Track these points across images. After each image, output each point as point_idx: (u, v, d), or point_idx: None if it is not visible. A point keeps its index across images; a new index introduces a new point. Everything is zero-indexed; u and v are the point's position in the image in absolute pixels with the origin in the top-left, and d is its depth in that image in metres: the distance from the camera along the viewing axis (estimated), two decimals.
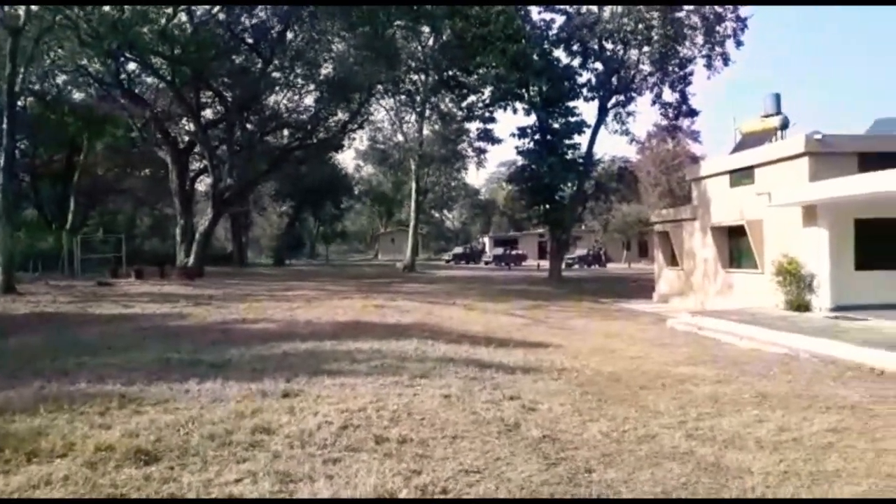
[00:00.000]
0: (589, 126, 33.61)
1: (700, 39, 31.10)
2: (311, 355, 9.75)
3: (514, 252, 59.12)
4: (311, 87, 34.60)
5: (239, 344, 10.76)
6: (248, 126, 35.93)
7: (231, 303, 18.07)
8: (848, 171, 15.09)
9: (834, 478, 4.79)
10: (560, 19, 32.47)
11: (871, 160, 15.36)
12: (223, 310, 16.31)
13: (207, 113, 35.11)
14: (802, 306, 15.00)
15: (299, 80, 33.91)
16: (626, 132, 35.21)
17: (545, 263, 40.58)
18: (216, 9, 28.74)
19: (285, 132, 40.85)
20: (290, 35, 30.94)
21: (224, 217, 39.62)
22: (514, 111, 33.92)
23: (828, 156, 15.78)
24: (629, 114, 34.61)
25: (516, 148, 34.39)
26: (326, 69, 33.24)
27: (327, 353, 9.98)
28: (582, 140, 34.01)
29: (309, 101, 36.76)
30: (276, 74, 32.65)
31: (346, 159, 71.07)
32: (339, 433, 5.78)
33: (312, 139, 38.79)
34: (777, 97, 20.61)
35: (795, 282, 15.18)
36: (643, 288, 26.45)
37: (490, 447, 5.49)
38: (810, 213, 15.37)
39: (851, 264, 15.37)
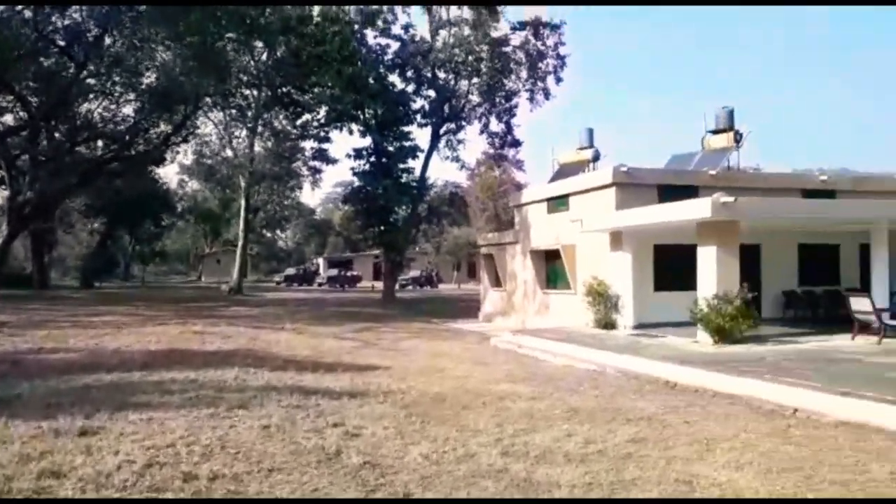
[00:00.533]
0: (422, 151, 34.48)
1: (524, 74, 33.25)
2: (116, 388, 8.92)
3: (348, 273, 58.76)
4: (131, 96, 32.20)
5: (32, 376, 9.59)
6: (56, 135, 32.62)
7: (26, 330, 16.13)
8: (649, 201, 16.77)
9: (631, 486, 5.18)
10: (395, 45, 33.16)
11: (667, 192, 17.21)
12: (16, 338, 14.51)
13: (8, 119, 31.43)
14: (609, 324, 16.31)
15: (117, 88, 31.43)
16: (457, 159, 36.59)
17: (380, 285, 40.75)
18: (20, 7, 25.91)
19: (99, 143, 37.56)
20: (108, 40, 28.62)
21: (24, 234, 35.49)
22: (350, 132, 33.94)
23: (632, 187, 17.43)
24: (459, 141, 36.03)
25: (352, 169, 34.44)
26: (149, 78, 31.12)
27: (135, 385, 9.19)
28: (416, 164, 34.81)
29: (128, 110, 34.19)
30: (90, 81, 30.01)
31: (170, 174, 66.91)
32: (143, 473, 5.30)
33: (130, 151, 36.02)
34: (590, 131, 22.45)
35: (603, 302, 16.48)
36: (470, 308, 27.39)
37: (308, 478, 5.31)
38: (616, 239, 16.82)
39: (651, 286, 17.02)
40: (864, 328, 13.19)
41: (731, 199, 12.76)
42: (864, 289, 15.28)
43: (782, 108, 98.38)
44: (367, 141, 33.80)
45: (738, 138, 20.29)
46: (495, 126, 35.19)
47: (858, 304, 13.26)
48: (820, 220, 16.07)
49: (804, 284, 19.00)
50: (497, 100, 34.11)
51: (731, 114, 20.56)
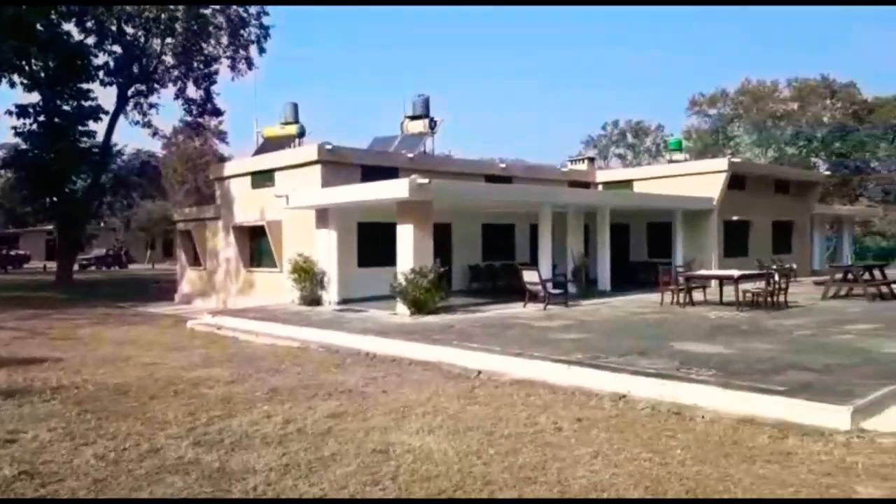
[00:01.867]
0: (107, 113, 30.56)
1: (225, 40, 31.36)
2: None
3: (12, 252, 49.94)
4: None
5: None
6: None
7: None
8: (353, 179, 17.09)
9: (330, 462, 5.15)
10: None
11: (370, 171, 17.72)
12: None
13: None
14: (315, 301, 16.33)
15: None
16: (149, 124, 33.28)
17: (54, 265, 35.34)
18: None
19: None
20: None
21: None
22: (12, 85, 28.48)
23: (337, 165, 17.58)
24: (152, 105, 32.81)
25: (14, 129, 29.04)
26: None
27: None
28: (99, 128, 30.73)
29: None
30: None
31: None
32: None
33: None
34: (295, 106, 22.02)
35: (309, 279, 16.43)
36: (166, 289, 25.27)
37: None
38: (322, 216, 16.85)
39: (355, 262, 17.43)
40: (534, 297, 15.15)
41: (425, 181, 13.57)
42: (534, 263, 17.57)
43: (471, 101, 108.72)
44: (36, 97, 28.89)
45: (433, 125, 21.72)
46: (193, 92, 32.70)
47: (529, 276, 15.19)
48: (500, 202, 18.03)
49: (487, 259, 21.20)
50: (195, 64, 31.67)
51: (426, 102, 21.88)
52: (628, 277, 21.01)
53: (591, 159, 31.18)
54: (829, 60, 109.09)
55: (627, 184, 24.74)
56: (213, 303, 20.89)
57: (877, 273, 17.33)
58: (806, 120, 53.15)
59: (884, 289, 16.35)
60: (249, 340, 12.46)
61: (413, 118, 21.97)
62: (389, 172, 17.71)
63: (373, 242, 17.33)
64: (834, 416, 5.84)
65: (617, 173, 29.22)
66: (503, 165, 23.30)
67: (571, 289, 17.12)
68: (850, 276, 17.11)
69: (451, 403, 6.94)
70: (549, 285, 15.27)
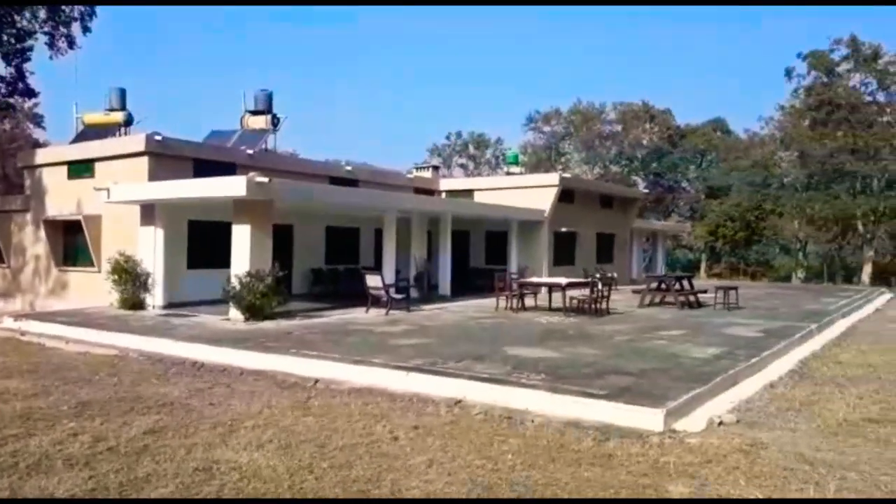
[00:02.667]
0: None
1: (43, 13, 28.20)
2: None
3: None
4: None
5: None
6: None
7: None
8: (184, 174, 16.01)
9: (144, 483, 4.68)
10: None
11: (204, 166, 16.70)
12: None
13: None
14: (137, 304, 15.07)
15: None
16: None
17: None
18: None
19: None
20: None
21: None
22: None
23: (167, 157, 16.38)
24: None
25: None
26: None
27: None
28: None
29: None
30: None
31: None
32: None
33: None
34: (122, 92, 20.28)
35: (131, 280, 15.13)
36: None
37: None
38: (148, 213, 15.60)
39: (184, 263, 16.34)
40: (376, 302, 15.07)
41: (265, 179, 13.01)
42: (378, 267, 17.51)
43: (319, 101, 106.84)
44: None
45: (276, 122, 21.00)
46: (2, 69, 29.02)
47: (372, 280, 15.09)
48: (345, 205, 17.75)
49: (330, 263, 20.83)
50: (4, 37, 28.14)
51: (269, 97, 21.11)
52: (468, 283, 21.61)
53: (436, 167, 31.83)
54: (650, 87, 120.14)
55: (469, 193, 25.47)
56: (18, 305, 18.63)
57: (685, 283, 19.20)
58: (628, 141, 57.95)
59: (691, 298, 18.13)
60: (58, 348, 11.19)
61: (254, 113, 21.09)
62: (226, 168, 16.82)
63: (205, 243, 16.35)
64: (649, 419, 6.29)
65: (459, 182, 30.03)
66: (349, 168, 23.04)
67: (414, 293, 17.25)
68: (663, 285, 18.80)
69: (285, 415, 6.63)
70: (392, 290, 15.27)
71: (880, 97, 41.19)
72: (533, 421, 6.45)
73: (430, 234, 20.59)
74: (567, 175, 27.23)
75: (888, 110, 41.12)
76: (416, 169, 29.91)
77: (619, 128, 59.53)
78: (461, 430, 6.18)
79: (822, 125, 41.22)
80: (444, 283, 19.75)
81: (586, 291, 15.79)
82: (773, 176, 46.11)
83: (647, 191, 43.04)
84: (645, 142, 58.81)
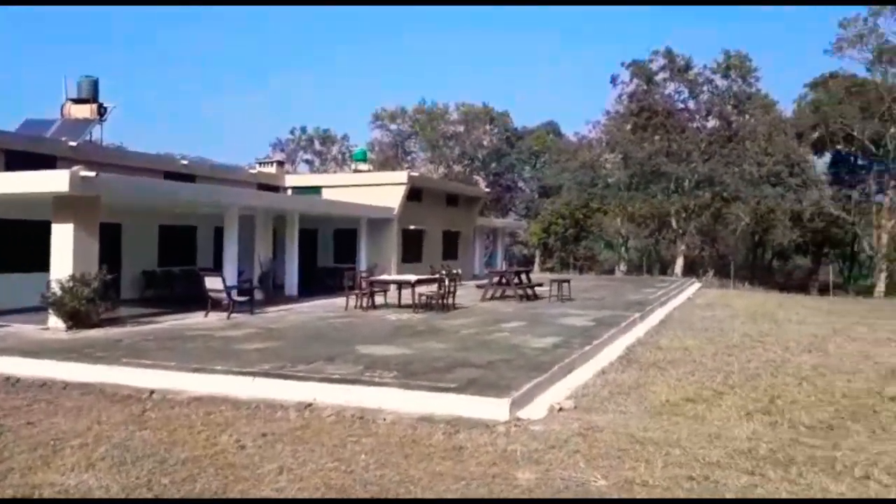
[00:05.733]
0: None
1: None
2: None
3: None
4: None
5: None
6: None
7: None
8: None
9: None
10: None
11: (18, 159, 15.01)
12: None
13: None
14: None
15: None
16: None
17: None
18: None
19: None
20: None
21: None
22: None
23: None
24: None
25: None
26: None
27: None
28: None
29: None
30: None
31: None
32: None
33: None
34: None
35: None
36: None
37: None
38: None
39: None
40: (217, 305, 14.34)
41: (91, 174, 11.92)
42: (218, 268, 16.65)
43: (152, 91, 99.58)
44: None
45: (103, 111, 19.35)
46: None
47: (212, 282, 14.33)
48: (181, 201, 16.69)
49: (164, 265, 19.49)
50: None
51: (95, 84, 19.41)
52: (316, 282, 21.23)
53: (281, 163, 30.86)
54: (490, 89, 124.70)
55: (316, 189, 25.02)
56: None
57: (524, 277, 20.20)
58: (470, 141, 59.86)
59: (529, 291, 19.10)
60: None
61: (77, 101, 19.26)
62: (44, 161, 15.22)
63: (18, 243, 14.68)
64: (496, 409, 6.55)
65: (306, 179, 29.43)
66: (185, 162, 21.74)
67: (258, 295, 16.64)
68: (503, 279, 19.65)
69: (117, 431, 6.13)
70: (234, 292, 14.61)
71: (691, 104, 45.86)
72: (385, 419, 6.48)
73: (276, 233, 19.96)
74: (415, 173, 27.61)
75: (697, 117, 45.89)
76: (260, 164, 28.85)
77: (461, 128, 61.30)
78: (312, 433, 6.07)
79: (643, 129, 45.13)
80: (291, 284, 19.26)
81: (434, 288, 16.11)
82: (599, 176, 49.76)
83: (487, 190, 44.75)
84: (485, 142, 61.07)
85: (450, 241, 28.49)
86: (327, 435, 6.00)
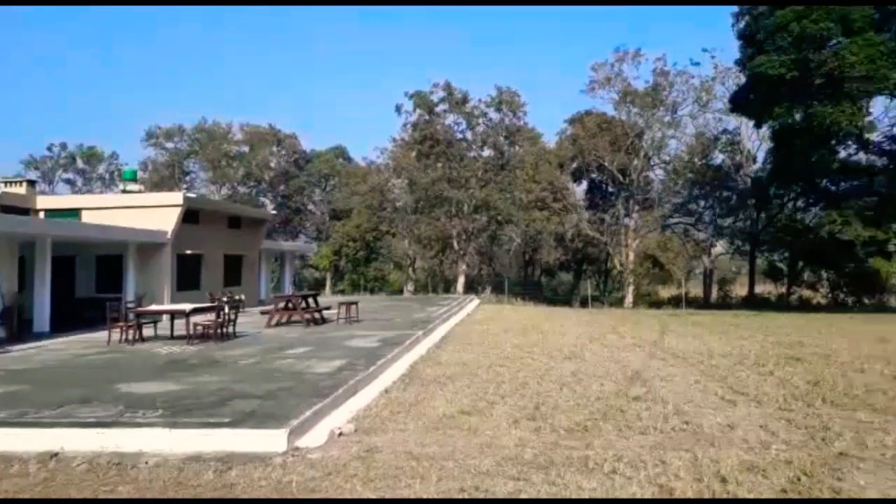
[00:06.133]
0: None
1: None
2: None
3: None
4: None
5: None
6: None
7: None
8: None
9: None
10: None
11: None
12: None
13: None
14: None
15: None
16: None
17: None
18: None
19: None
20: None
21: None
22: None
23: None
24: None
25: None
26: None
27: None
28: None
29: None
30: None
31: None
32: None
33: None
34: None
35: None
36: None
37: None
38: None
39: None
40: None
41: None
42: None
43: None
44: None
45: None
46: None
47: None
48: None
49: None
50: None
51: None
52: (74, 316, 18.91)
53: (32, 182, 27.19)
54: (276, 111, 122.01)
55: (75, 212, 22.41)
56: None
57: (311, 301, 19.87)
58: (256, 163, 57.98)
59: (316, 315, 18.82)
60: None
61: None
62: None
63: None
64: (272, 441, 6.29)
65: (63, 200, 26.30)
66: None
67: (0, 333, 14.40)
68: (290, 304, 19.15)
69: None
70: None
71: (469, 135, 48.81)
72: (148, 462, 5.91)
73: (24, 261, 17.50)
74: (192, 194, 25.92)
75: (474, 146, 48.94)
76: (5, 184, 25.19)
77: (246, 149, 59.18)
78: (58, 486, 5.35)
79: (426, 157, 47.05)
80: (42, 318, 16.95)
81: (212, 316, 15.19)
82: (388, 200, 50.93)
83: (275, 212, 43.55)
84: (273, 164, 59.56)
85: (232, 266, 27.14)
86: (76, 487, 5.32)
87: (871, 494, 4.92)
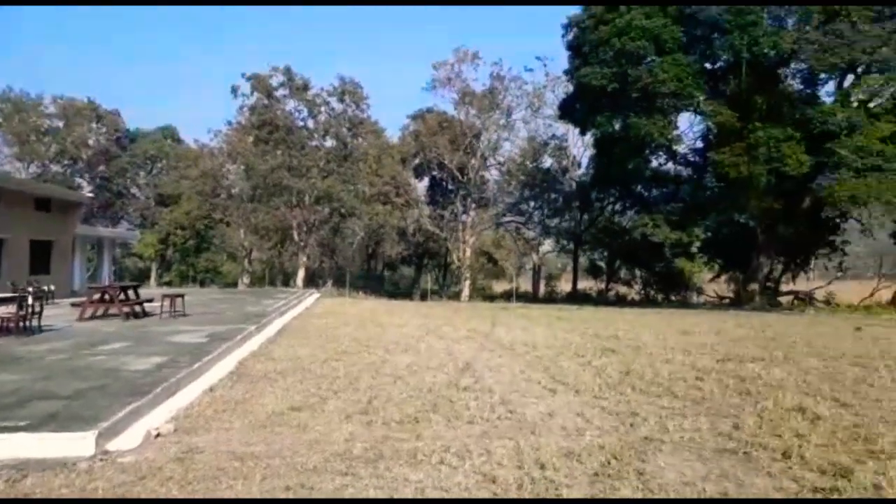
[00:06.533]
0: None
1: None
2: None
3: None
4: None
5: None
6: None
7: None
8: None
9: None
10: None
11: None
12: None
13: None
14: None
15: None
16: None
17: None
18: None
19: None
20: None
21: None
22: None
23: None
24: None
25: None
26: None
27: None
28: None
29: None
30: None
31: None
32: None
33: None
34: None
35: None
36: None
37: None
38: None
39: None
40: None
41: None
42: None
43: None
44: None
45: None
46: None
47: None
48: None
49: None
50: None
51: None
52: None
53: None
54: (97, 86, 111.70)
55: None
56: None
57: (131, 293, 18.42)
58: (71, 140, 52.70)
59: (137, 308, 17.48)
60: None
61: None
62: None
63: None
64: (78, 444, 5.75)
65: None
66: None
67: None
68: (107, 296, 17.61)
69: None
70: None
71: (311, 123, 47.75)
72: None
73: None
74: None
75: (316, 135, 47.97)
76: None
77: (60, 124, 53.59)
78: None
79: (265, 143, 45.38)
80: None
81: (13, 309, 13.57)
82: (222, 187, 48.51)
83: (92, 195, 39.87)
84: (91, 142, 54.46)
85: (40, 253, 24.44)
86: None
87: (670, 475, 5.43)
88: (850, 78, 30.37)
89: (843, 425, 6.90)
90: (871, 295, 35.74)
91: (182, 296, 18.71)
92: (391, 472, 5.35)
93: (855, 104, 28.90)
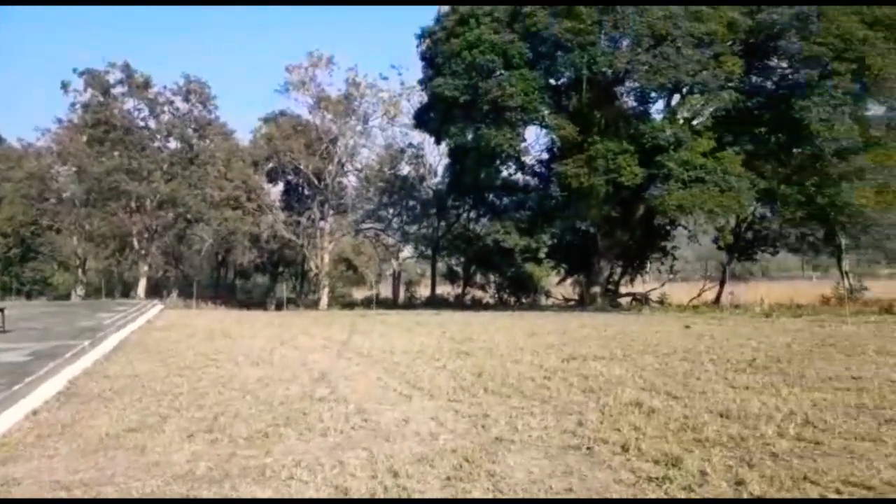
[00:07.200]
0: None
1: None
2: None
3: None
4: None
5: None
6: None
7: None
8: None
9: None
10: None
11: None
12: None
13: None
14: None
15: None
16: None
17: None
18: None
19: None
20: None
21: None
22: None
23: None
24: None
25: None
26: None
27: None
28: None
29: None
30: None
31: None
32: None
33: None
34: None
35: None
36: None
37: None
38: None
39: None
40: None
41: None
42: None
43: None
44: None
45: None
46: None
47: None
48: None
49: None
50: None
51: None
52: None
53: None
54: None
55: None
56: None
57: None
58: None
59: None
60: None
61: None
62: None
63: None
64: None
65: None
66: None
67: None
68: None
69: None
70: None
71: (152, 123, 44.73)
72: None
73: None
74: None
75: (159, 136, 45.03)
76: None
77: None
78: None
79: (100, 143, 41.92)
80: None
81: None
82: (51, 190, 44.28)
83: None
84: None
85: None
86: None
87: (519, 474, 5.58)
88: (676, 97, 33.42)
89: (674, 417, 7.50)
90: (699, 295, 39.59)
91: (2, 309, 16.80)
92: (237, 492, 5.11)
93: (681, 121, 31.80)
